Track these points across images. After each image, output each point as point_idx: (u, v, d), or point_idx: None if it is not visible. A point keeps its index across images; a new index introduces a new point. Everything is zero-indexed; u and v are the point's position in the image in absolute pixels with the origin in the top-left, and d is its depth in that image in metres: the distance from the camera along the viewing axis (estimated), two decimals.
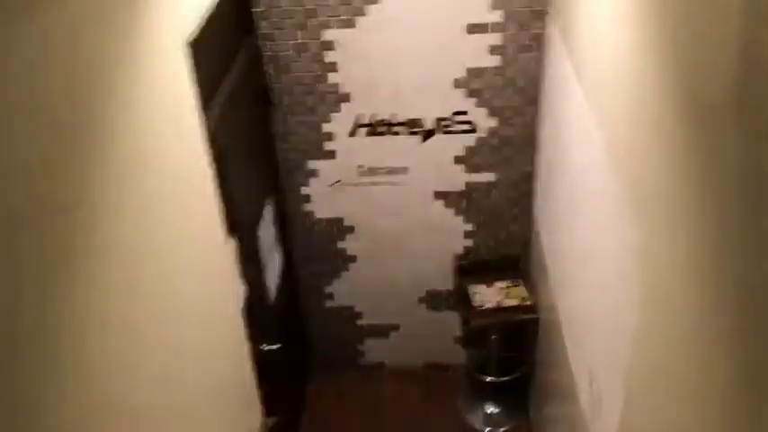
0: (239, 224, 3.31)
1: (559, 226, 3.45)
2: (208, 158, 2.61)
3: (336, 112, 4.00)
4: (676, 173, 1.72)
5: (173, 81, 2.23)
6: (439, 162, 4.16)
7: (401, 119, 4.02)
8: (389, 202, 4.33)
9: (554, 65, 3.53)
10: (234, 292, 3.02)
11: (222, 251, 2.82)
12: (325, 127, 4.05)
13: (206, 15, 2.61)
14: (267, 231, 3.90)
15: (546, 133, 3.80)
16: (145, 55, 1.97)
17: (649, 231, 1.96)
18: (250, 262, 3.52)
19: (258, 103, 3.87)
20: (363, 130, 4.06)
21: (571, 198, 3.12)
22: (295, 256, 4.57)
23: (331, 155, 4.16)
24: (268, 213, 3.94)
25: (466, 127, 4.02)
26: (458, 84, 3.88)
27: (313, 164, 4.20)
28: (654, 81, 1.89)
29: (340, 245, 4.52)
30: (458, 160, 4.15)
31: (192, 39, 2.42)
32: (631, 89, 2.12)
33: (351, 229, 4.46)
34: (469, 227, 4.41)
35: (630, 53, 2.13)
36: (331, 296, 4.71)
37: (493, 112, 3.97)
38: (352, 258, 4.57)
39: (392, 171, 4.21)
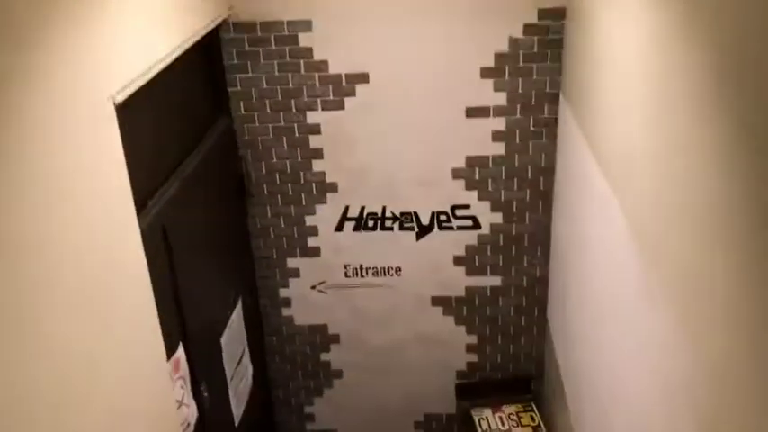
0: (193, 332, 2.78)
1: (580, 340, 2.88)
2: (141, 252, 2.11)
3: (321, 203, 3.54)
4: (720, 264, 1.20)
5: (95, 151, 1.79)
6: (436, 262, 3.65)
7: (394, 212, 3.55)
8: (380, 308, 3.79)
9: (569, 153, 3.08)
10: (172, 415, 2.43)
11: (157, 366, 2.26)
12: (309, 220, 3.59)
13: (149, 77, 2.19)
14: (234, 340, 3.35)
15: (561, 230, 3.30)
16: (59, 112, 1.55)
17: (698, 356, 1.42)
18: (209, 376, 2.95)
19: (231, 192, 3.43)
20: (351, 224, 3.59)
21: (595, 305, 2.57)
22: (270, 370, 3.98)
23: (314, 252, 3.66)
24: (237, 319, 3.40)
25: (467, 223, 3.54)
26: (457, 174, 3.43)
27: (294, 262, 3.70)
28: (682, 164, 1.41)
29: (323, 357, 3.93)
30: (458, 261, 3.63)
31: (122, 100, 1.98)
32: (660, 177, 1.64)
33: (336, 339, 3.88)
34: (472, 339, 3.83)
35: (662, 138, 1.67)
36: (311, 417, 4.07)
37: (497, 207, 3.49)
38: (337, 373, 3.96)
39: (383, 271, 3.69)
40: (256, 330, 3.81)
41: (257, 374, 3.74)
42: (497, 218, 3.51)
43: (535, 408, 3.74)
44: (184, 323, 2.73)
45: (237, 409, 3.37)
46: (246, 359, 3.55)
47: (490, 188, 3.45)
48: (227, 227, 3.36)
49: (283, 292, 3.78)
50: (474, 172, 3.42)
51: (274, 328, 3.87)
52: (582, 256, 2.78)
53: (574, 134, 2.90)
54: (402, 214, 3.55)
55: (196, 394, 2.84)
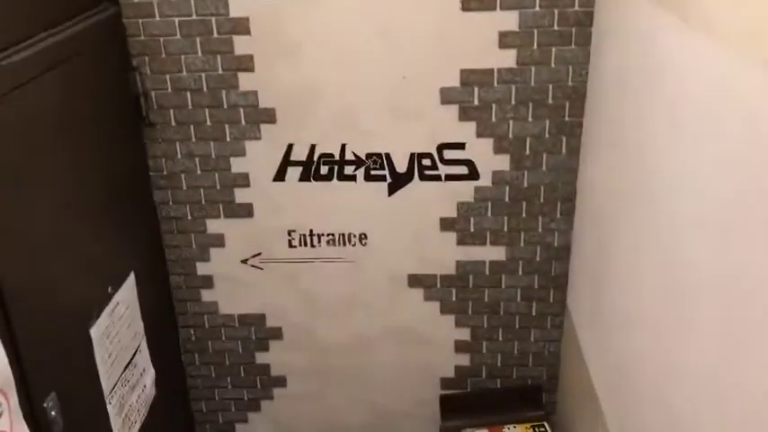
0: (30, 318, 1.72)
1: (635, 332, 1.86)
2: None
3: (253, 139, 2.49)
4: None
5: None
6: (416, 227, 2.61)
7: (357, 154, 2.51)
8: (338, 291, 2.74)
9: (612, 61, 2.08)
10: None
11: None
12: (236, 164, 2.53)
13: None
14: (119, 333, 2.28)
15: (596, 177, 2.29)
16: None
17: None
18: (65, 386, 1.90)
19: (119, 121, 2.36)
20: (296, 171, 2.53)
21: (675, 278, 1.55)
22: (188, 376, 2.91)
23: (245, 211, 2.60)
24: (126, 303, 2.33)
25: (460, 170, 2.51)
26: (447, 97, 2.40)
27: (216, 225, 2.63)
28: None
29: (260, 358, 2.88)
30: (446, 225, 2.60)
31: None
32: None
33: (277, 334, 2.83)
34: (463, 334, 2.80)
35: None
36: None
37: (503, 146, 2.46)
38: (280, 380, 2.91)
39: (342, 240, 2.65)
40: (164, 320, 2.74)
41: (167, 381, 2.67)
42: (503, 162, 2.49)
43: (548, 428, 2.72)
44: (4, 303, 1.67)
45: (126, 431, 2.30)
46: (143, 360, 2.48)
47: (494, 118, 2.42)
48: (112, 172, 2.28)
49: (202, 268, 2.72)
50: (471, 94, 2.39)
51: (192, 318, 2.81)
52: (642, 210, 1.76)
53: (626, 32, 1.89)
54: (369, 157, 2.50)
55: (35, 415, 1.78)
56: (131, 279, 2.39)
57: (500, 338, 2.80)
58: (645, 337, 1.76)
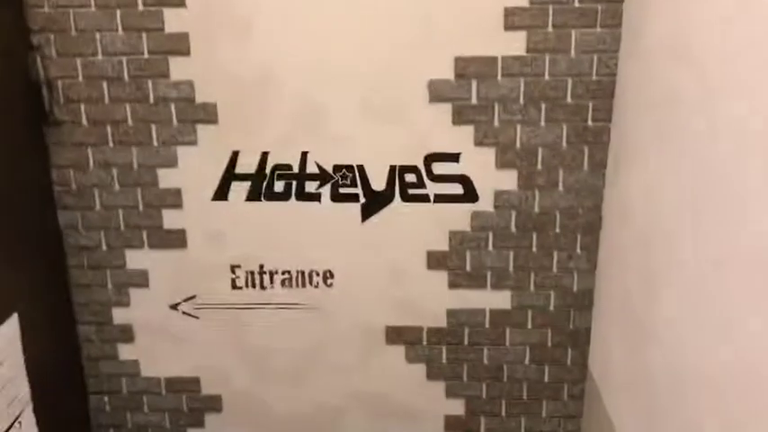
0: None
1: (695, 394, 1.26)
2: None
3: (187, 144, 1.93)
4: None
5: None
6: (396, 264, 2.03)
7: (321, 166, 1.95)
8: (295, 347, 2.13)
9: (649, 48, 1.57)
10: None
11: None
12: (165, 177, 1.96)
13: None
14: None
15: (634, 191, 1.74)
16: None
17: None
18: None
19: (12, 113, 1.80)
20: (243, 187, 1.97)
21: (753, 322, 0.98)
22: None
23: (176, 239, 2.02)
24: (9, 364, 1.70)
25: (453, 189, 1.96)
26: (437, 93, 1.88)
27: (138, 258, 2.04)
28: None
29: None
30: (435, 261, 2.03)
31: None
32: None
33: (216, 404, 2.19)
34: (456, 407, 2.18)
35: None
36: None
37: (509, 159, 1.92)
38: None
39: (301, 279, 2.06)
40: (66, 383, 2.10)
41: None
42: (508, 180, 1.94)
43: None
44: None
45: None
46: None
47: (497, 122, 1.89)
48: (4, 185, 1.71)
49: (120, 316, 2.10)
50: (468, 89, 1.87)
51: (105, 382, 2.17)
52: (716, 233, 1.21)
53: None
54: (337, 170, 1.95)
55: None
56: (12, 324, 1.77)
57: (503, 413, 2.17)
58: (722, 406, 1.17)
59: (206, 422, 2.20)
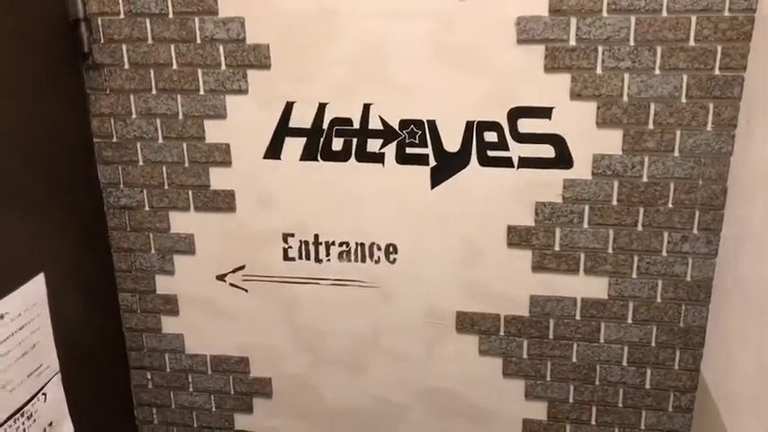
0: None
1: None
2: None
3: (237, 92, 1.70)
4: None
5: None
6: (470, 239, 1.73)
7: (385, 120, 1.67)
8: (352, 331, 1.87)
9: None
10: None
11: None
12: (213, 130, 1.75)
13: None
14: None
15: None
16: None
17: None
18: None
19: (46, 54, 1.62)
20: (297, 144, 1.72)
21: None
22: None
23: (224, 201, 1.80)
24: (17, 315, 1.53)
25: (542, 151, 1.64)
26: (527, 32, 1.56)
27: (183, 221, 1.84)
28: None
29: (240, 422, 2.01)
30: (517, 237, 1.71)
31: None
32: None
33: (265, 389, 1.97)
34: (538, 411, 1.87)
35: None
36: None
37: (614, 116, 1.58)
38: None
39: (361, 252, 1.80)
40: (107, 355, 1.92)
41: None
42: (611, 141, 1.60)
43: None
44: None
45: None
46: (49, 409, 1.66)
47: (599, 69, 1.56)
48: (34, 133, 1.54)
49: (164, 284, 1.91)
50: (565, 27, 1.54)
51: (148, 357, 1.99)
52: None
53: None
54: (404, 126, 1.67)
55: None
56: (37, 284, 1.60)
57: (593, 422, 1.84)
58: None
59: (254, 407, 1.98)
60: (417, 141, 1.67)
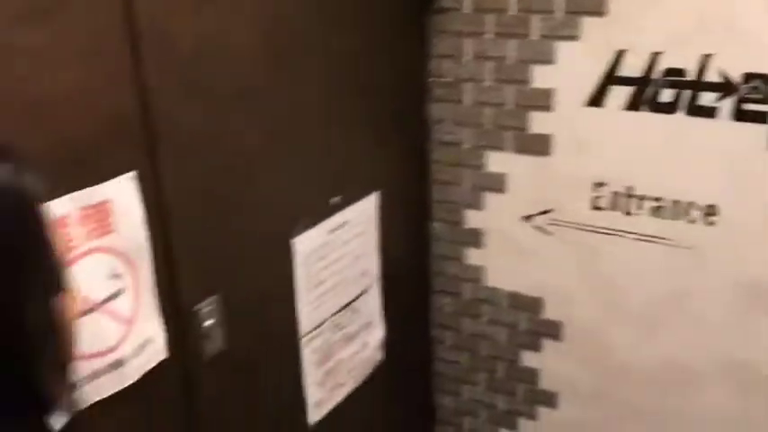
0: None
1: None
2: None
3: (569, 39, 1.74)
4: None
5: None
6: None
7: (725, 73, 1.59)
8: (655, 289, 1.84)
9: None
10: None
11: None
12: (540, 75, 1.81)
13: None
14: (340, 261, 1.75)
15: None
16: None
17: None
18: (247, 298, 1.45)
19: (401, 1, 1.83)
20: (623, 92, 1.72)
21: None
22: (435, 360, 2.28)
23: (541, 145, 1.88)
24: (356, 224, 1.79)
25: None
26: None
27: (499, 161, 1.95)
28: None
29: (527, 359, 2.12)
30: None
31: None
32: None
33: (556, 331, 2.04)
34: None
35: None
36: None
37: None
38: (549, 397, 2.12)
39: (676, 210, 1.74)
40: (413, 274, 2.14)
41: (403, 353, 2.08)
42: None
43: None
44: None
45: (322, 392, 1.76)
46: (370, 310, 1.93)
47: None
48: (381, 70, 1.78)
49: (473, 219, 2.06)
50: None
51: (449, 283, 2.17)
52: None
53: None
54: (747, 79, 1.57)
55: (182, 318, 1.33)
56: (372, 199, 1.84)
57: None
58: None
59: (542, 347, 2.06)
60: (761, 97, 1.55)
